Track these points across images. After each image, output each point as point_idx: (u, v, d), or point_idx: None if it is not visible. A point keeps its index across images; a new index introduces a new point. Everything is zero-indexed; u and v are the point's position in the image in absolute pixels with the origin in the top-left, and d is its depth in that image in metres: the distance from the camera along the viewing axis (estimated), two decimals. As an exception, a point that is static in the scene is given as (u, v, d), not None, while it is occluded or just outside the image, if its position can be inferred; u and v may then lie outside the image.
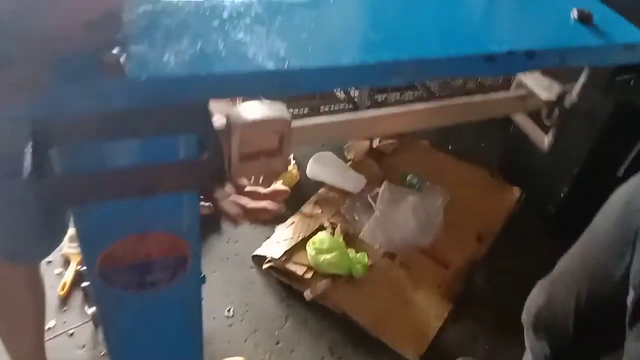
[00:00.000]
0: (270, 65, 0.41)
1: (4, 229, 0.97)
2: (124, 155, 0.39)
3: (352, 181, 2.01)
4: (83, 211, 0.44)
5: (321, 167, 2.05)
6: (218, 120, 0.47)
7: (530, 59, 0.49)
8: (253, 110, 0.48)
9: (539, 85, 0.61)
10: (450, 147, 2.35)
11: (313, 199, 1.99)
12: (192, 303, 0.59)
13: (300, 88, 0.42)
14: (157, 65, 0.39)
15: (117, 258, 0.49)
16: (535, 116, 0.67)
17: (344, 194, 2.00)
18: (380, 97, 2.23)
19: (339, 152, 2.18)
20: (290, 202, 1.98)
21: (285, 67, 0.41)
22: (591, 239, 1.12)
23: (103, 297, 0.53)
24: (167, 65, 0.39)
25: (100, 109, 0.37)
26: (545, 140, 0.64)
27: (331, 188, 2.02)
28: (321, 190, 2.02)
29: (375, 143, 2.23)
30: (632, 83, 1.62)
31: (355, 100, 2.15)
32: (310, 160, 2.07)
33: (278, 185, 0.59)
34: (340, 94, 2.19)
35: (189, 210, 0.49)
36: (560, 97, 0.60)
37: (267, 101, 0.49)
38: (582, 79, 0.58)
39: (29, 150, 0.35)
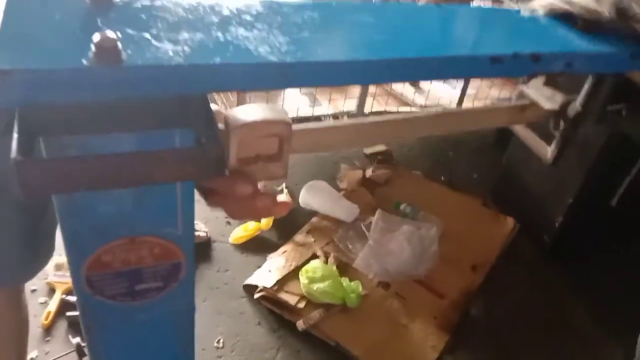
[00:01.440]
0: (272, 57, 0.40)
1: None
2: (118, 144, 0.37)
3: (345, 210, 1.99)
4: (69, 211, 0.42)
5: (314, 196, 2.03)
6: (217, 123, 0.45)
7: (535, 62, 0.48)
8: (252, 112, 0.46)
9: (541, 96, 0.60)
10: (443, 178, 2.35)
11: (305, 227, 1.96)
12: (184, 317, 0.55)
13: (300, 81, 0.41)
14: (154, 54, 0.37)
15: (105, 263, 0.46)
16: (536, 129, 0.66)
17: (337, 222, 1.98)
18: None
19: (332, 182, 2.17)
20: (282, 231, 1.95)
21: (287, 59, 0.40)
22: None
23: (89, 309, 0.50)
24: (166, 54, 0.38)
25: (92, 98, 0.36)
26: (548, 152, 0.62)
27: (324, 217, 2.00)
28: (314, 219, 1.99)
29: (369, 173, 2.22)
30: (623, 113, 1.62)
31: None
32: (303, 189, 2.05)
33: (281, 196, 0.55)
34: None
35: (183, 214, 0.46)
36: (564, 107, 0.59)
37: (266, 104, 0.48)
38: (587, 87, 0.58)
39: (15, 135, 0.33)
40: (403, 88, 2.15)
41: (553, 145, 0.61)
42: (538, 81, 0.63)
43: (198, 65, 0.38)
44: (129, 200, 0.44)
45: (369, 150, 2.39)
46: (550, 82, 0.62)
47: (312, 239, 1.90)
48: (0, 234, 0.92)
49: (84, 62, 0.35)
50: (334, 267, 1.76)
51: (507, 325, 1.80)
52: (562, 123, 0.60)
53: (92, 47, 0.35)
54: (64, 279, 1.62)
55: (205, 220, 1.93)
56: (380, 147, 2.40)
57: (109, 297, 0.49)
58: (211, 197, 0.48)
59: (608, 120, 1.67)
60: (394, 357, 1.59)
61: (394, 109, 2.50)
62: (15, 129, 0.33)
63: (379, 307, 1.72)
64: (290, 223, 1.98)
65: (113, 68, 0.35)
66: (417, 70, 0.45)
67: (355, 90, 2.00)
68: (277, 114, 0.47)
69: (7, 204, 0.89)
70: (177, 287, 0.52)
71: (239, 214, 0.53)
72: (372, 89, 2.05)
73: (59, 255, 1.64)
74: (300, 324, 1.60)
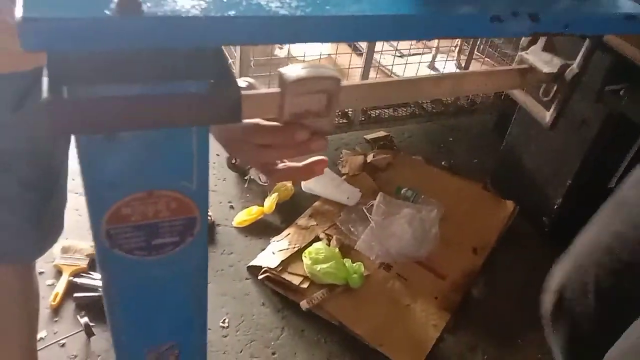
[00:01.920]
0: (283, 11, 0.42)
1: None
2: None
3: (347, 194, 2.01)
4: (90, 164, 0.44)
5: (316, 181, 2.05)
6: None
7: (534, 22, 0.50)
8: (304, 69, 0.48)
9: (540, 60, 0.62)
10: (443, 163, 2.37)
11: (308, 211, 1.98)
12: (197, 275, 0.58)
13: (310, 36, 0.43)
14: (172, 7, 0.40)
15: (124, 216, 0.49)
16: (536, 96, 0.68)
17: (339, 206, 2.00)
18: (373, 113, 2.25)
19: (334, 168, 2.19)
20: (285, 215, 1.98)
21: (297, 13, 0.42)
22: (622, 207, 1.10)
23: (108, 264, 0.52)
24: (183, 7, 0.40)
25: (113, 47, 0.38)
26: (547, 116, 0.64)
27: (326, 201, 2.02)
28: (316, 203, 2.02)
29: (370, 158, 2.24)
30: (621, 93, 1.65)
31: (349, 114, 2.17)
32: (305, 174, 2.07)
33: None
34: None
35: (198, 168, 0.49)
36: (562, 70, 0.61)
37: (314, 63, 0.50)
38: (583, 50, 0.60)
39: (45, 79, 0.35)
40: (404, 72, 2.17)
41: (552, 109, 0.63)
42: (537, 47, 0.65)
43: (213, 18, 0.40)
44: (147, 153, 0.46)
45: (369, 136, 2.41)
46: (548, 48, 0.64)
47: (315, 222, 1.93)
48: (8, 212, 0.95)
49: (107, 12, 0.37)
50: (337, 249, 1.78)
51: (507, 305, 1.82)
52: (558, 87, 0.62)
53: (115, -1, 0.37)
54: (71, 262, 1.65)
55: (209, 204, 1.95)
56: (381, 133, 2.42)
57: (127, 251, 0.52)
58: (265, 152, 0.53)
59: (606, 100, 1.70)
60: (396, 336, 1.62)
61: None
62: (45, 73, 0.35)
63: (381, 287, 1.75)
64: (292, 207, 2.01)
65: (133, 19, 0.37)
66: (420, 27, 0.47)
67: (356, 74, 2.02)
68: (327, 71, 0.49)
69: (15, 183, 0.92)
70: (191, 243, 0.54)
71: (287, 172, 0.58)
72: (372, 74, 2.07)
73: (65, 239, 1.67)
74: (304, 304, 1.63)
